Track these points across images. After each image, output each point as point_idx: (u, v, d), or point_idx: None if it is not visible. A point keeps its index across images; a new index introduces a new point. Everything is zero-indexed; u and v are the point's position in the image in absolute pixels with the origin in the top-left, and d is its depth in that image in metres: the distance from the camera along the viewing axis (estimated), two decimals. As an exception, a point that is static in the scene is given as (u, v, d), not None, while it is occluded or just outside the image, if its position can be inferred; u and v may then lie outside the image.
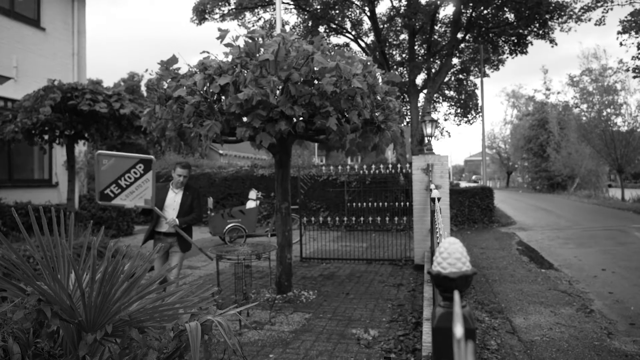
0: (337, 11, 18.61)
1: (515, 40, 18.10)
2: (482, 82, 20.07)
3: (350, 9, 18.94)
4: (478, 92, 21.53)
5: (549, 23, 16.92)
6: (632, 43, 24.30)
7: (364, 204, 8.58)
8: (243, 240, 9.08)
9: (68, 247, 1.81)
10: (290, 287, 5.51)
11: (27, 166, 10.25)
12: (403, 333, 4.19)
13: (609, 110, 22.05)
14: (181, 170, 4.63)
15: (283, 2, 17.38)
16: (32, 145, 8.00)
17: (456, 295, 0.77)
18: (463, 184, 22.69)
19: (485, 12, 17.44)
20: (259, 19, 19.31)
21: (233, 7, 18.18)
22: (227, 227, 9.06)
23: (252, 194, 9.98)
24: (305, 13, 18.75)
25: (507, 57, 19.58)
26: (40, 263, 1.69)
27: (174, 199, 4.65)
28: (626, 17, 17.30)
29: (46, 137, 7.83)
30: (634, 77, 19.49)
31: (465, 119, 21.93)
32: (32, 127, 7.28)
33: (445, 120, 22.96)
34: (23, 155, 10.00)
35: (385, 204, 8.47)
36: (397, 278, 6.56)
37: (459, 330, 0.64)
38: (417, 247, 7.35)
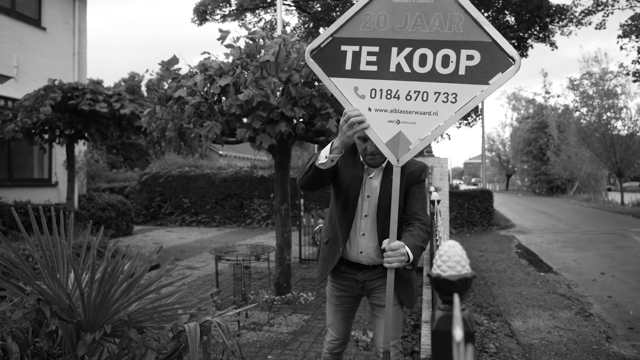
0: (338, 13, 18.64)
1: (516, 44, 18.12)
2: (482, 84, 20.07)
3: (351, 11, 18.95)
4: (478, 94, 21.55)
5: (550, 26, 16.98)
6: (633, 47, 24.33)
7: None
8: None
9: (67, 246, 1.81)
10: (289, 288, 5.51)
11: (27, 165, 10.25)
12: (402, 335, 4.18)
13: (609, 114, 22.08)
14: None
15: (284, 4, 17.40)
16: (32, 144, 8.00)
17: (456, 298, 0.77)
18: (463, 187, 22.70)
19: (485, 15, 17.47)
20: (260, 20, 19.34)
21: (234, 8, 18.21)
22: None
23: None
24: (306, 14, 18.78)
25: (508, 60, 19.61)
26: (39, 262, 1.69)
27: (367, 186, 2.19)
28: (626, 21, 17.34)
29: (46, 136, 7.83)
30: (634, 81, 19.54)
31: (465, 122, 21.96)
32: (32, 126, 7.28)
33: (445, 122, 22.94)
34: (23, 155, 9.99)
35: (385, 206, 8.43)
36: (396, 280, 6.56)
37: (458, 333, 0.65)
38: (417, 249, 7.35)
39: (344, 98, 1.79)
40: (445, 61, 1.68)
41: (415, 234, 2.01)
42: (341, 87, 1.80)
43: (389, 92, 1.73)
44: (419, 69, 1.70)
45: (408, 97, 1.72)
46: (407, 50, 1.71)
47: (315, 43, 1.84)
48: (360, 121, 1.74)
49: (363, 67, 1.76)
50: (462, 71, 1.66)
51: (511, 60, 1.64)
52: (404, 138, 1.73)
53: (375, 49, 1.74)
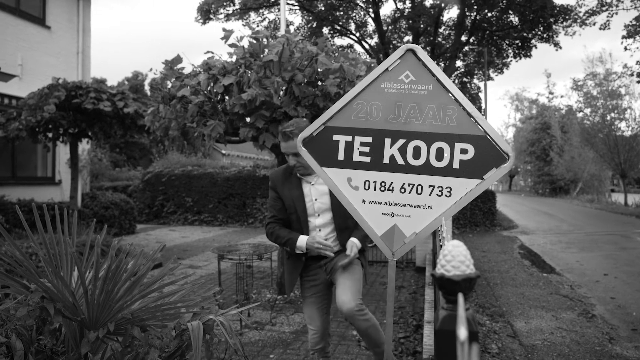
0: (342, 12, 18.65)
1: (520, 44, 18.10)
2: (485, 85, 20.05)
3: (354, 11, 18.97)
4: (481, 95, 21.52)
5: (554, 27, 16.95)
6: (637, 47, 24.22)
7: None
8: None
9: (71, 244, 1.82)
10: (291, 287, 5.50)
11: (31, 164, 10.29)
12: (404, 335, 4.18)
13: (612, 114, 21.99)
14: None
15: (288, 3, 17.41)
16: (36, 143, 8.03)
17: (460, 298, 0.77)
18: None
19: (489, 15, 17.45)
20: (264, 19, 19.36)
21: (238, 7, 18.23)
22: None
23: None
24: (310, 14, 18.78)
25: (512, 61, 19.60)
26: (43, 260, 1.70)
27: (311, 195, 2.51)
28: (631, 21, 17.27)
29: (50, 135, 7.86)
30: (638, 82, 19.47)
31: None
32: (37, 125, 7.31)
33: (448, 122, 22.94)
34: (27, 153, 10.04)
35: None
36: (398, 280, 6.55)
37: (462, 332, 0.65)
38: (419, 249, 7.34)
39: (338, 189, 1.76)
40: (440, 154, 1.66)
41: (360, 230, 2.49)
42: (334, 178, 1.76)
43: (382, 184, 1.71)
44: (413, 162, 1.69)
45: (402, 190, 1.70)
46: (401, 142, 1.69)
47: (307, 132, 1.79)
48: (327, 254, 2.39)
49: (356, 157, 1.73)
50: (456, 165, 1.65)
51: (505, 155, 1.62)
52: (399, 231, 1.70)
53: (368, 139, 1.72)
